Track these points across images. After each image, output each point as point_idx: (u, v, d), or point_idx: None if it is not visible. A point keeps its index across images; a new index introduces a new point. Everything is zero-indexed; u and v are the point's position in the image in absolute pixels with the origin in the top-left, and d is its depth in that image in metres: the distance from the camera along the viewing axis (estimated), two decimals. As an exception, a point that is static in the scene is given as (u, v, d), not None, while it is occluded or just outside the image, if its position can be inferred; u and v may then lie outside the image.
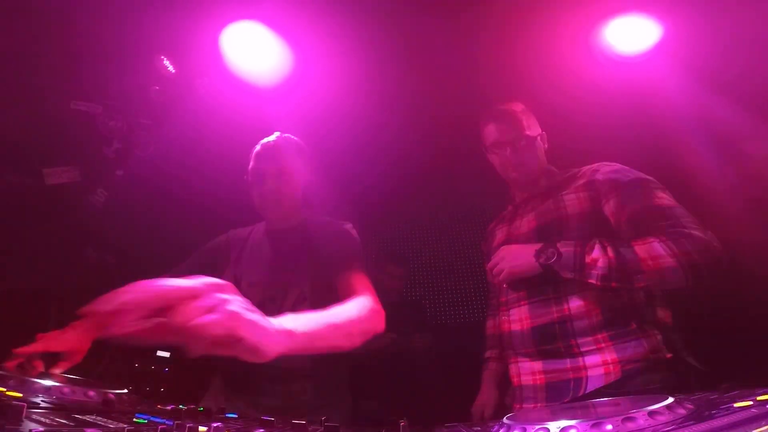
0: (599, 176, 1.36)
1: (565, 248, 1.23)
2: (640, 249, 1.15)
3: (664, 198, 1.25)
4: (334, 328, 1.04)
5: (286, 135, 1.71)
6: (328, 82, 2.10)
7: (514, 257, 1.31)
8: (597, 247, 1.20)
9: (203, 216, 2.41)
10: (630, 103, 2.05)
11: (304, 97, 2.15)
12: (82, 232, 1.99)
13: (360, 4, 1.83)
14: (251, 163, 1.65)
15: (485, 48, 1.94)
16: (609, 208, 1.29)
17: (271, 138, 1.68)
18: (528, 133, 1.48)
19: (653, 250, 1.14)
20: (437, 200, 3.19)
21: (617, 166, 1.38)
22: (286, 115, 2.16)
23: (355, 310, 1.16)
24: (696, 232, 1.15)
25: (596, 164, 1.42)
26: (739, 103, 1.91)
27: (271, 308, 1.46)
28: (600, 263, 1.17)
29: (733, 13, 1.75)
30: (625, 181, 1.30)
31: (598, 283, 1.17)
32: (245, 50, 1.99)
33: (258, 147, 1.66)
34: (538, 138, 1.51)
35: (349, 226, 1.61)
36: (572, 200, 1.37)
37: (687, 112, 1.99)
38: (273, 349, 0.80)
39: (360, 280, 1.41)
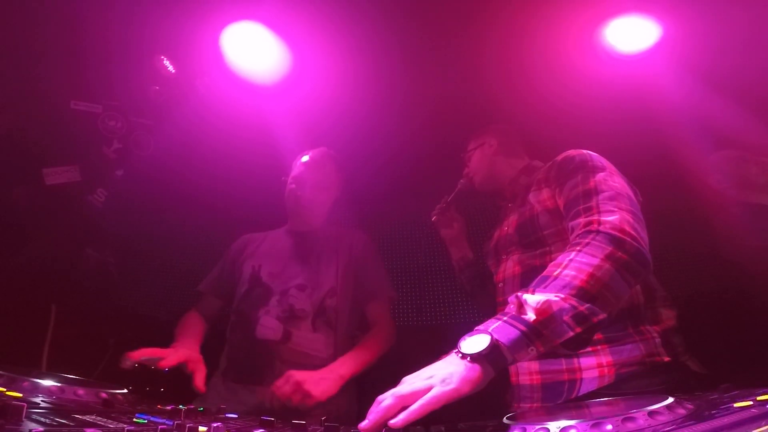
0: (553, 166, 1.35)
1: (481, 328, 0.86)
2: (568, 273, 0.91)
3: (596, 180, 1.15)
4: (368, 363, 1.54)
5: (330, 151, 1.91)
6: (327, 82, 2.10)
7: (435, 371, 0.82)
8: (521, 297, 0.89)
9: (203, 215, 2.41)
10: (630, 101, 2.05)
11: (304, 97, 2.15)
12: (82, 232, 1.99)
13: (360, 4, 1.83)
14: (295, 170, 1.84)
15: (486, 46, 1.94)
16: (558, 197, 1.26)
17: (318, 151, 1.88)
18: (467, 149, 1.70)
19: (580, 265, 0.91)
20: (437, 199, 3.18)
21: (567, 152, 1.33)
22: (287, 116, 2.17)
23: (381, 343, 1.63)
24: (606, 217, 1.01)
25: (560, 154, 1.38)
26: (736, 101, 1.91)
27: (302, 296, 1.62)
28: (556, 307, 0.83)
29: (731, 14, 1.75)
30: (569, 168, 1.26)
31: (577, 331, 0.82)
32: (245, 50, 1.99)
33: (306, 157, 1.86)
34: (485, 146, 1.66)
35: (366, 236, 1.88)
36: (536, 196, 1.36)
37: (685, 109, 2.00)
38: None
39: (383, 295, 1.76)
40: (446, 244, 1.81)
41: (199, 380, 1.35)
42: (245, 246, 1.84)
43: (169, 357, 1.34)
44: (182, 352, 1.38)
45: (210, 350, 1.57)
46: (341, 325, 1.66)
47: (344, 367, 1.50)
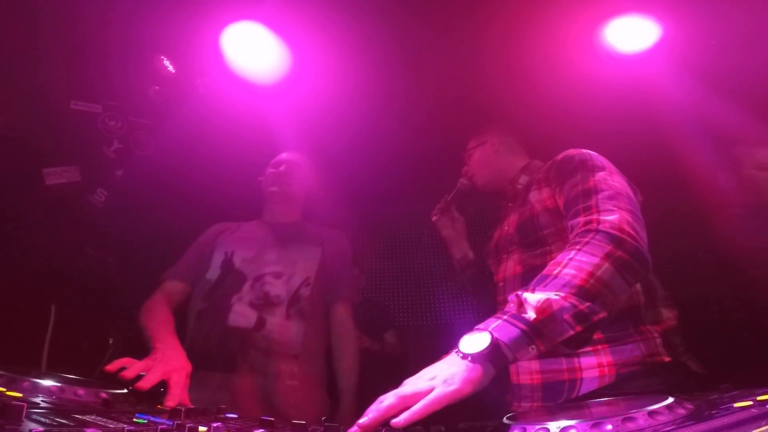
0: (553, 166, 1.35)
1: (484, 327, 0.85)
2: (568, 272, 0.91)
3: (596, 180, 1.15)
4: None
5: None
6: (327, 82, 2.10)
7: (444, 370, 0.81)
8: (521, 296, 0.89)
9: (203, 215, 2.41)
10: (630, 100, 2.05)
11: (304, 97, 2.15)
12: (82, 232, 1.99)
13: (360, 4, 1.83)
14: (274, 160, 1.93)
15: (486, 46, 1.94)
16: (558, 197, 1.26)
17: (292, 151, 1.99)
18: (467, 147, 1.71)
19: (580, 264, 0.91)
20: (437, 198, 3.18)
21: (567, 152, 1.33)
22: (287, 116, 2.17)
23: (356, 361, 1.67)
24: (605, 216, 1.02)
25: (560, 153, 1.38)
26: (736, 101, 1.91)
27: (277, 283, 1.62)
28: (556, 305, 0.84)
29: (730, 14, 1.75)
30: (568, 168, 1.26)
31: (577, 330, 0.83)
32: (245, 50, 1.99)
33: (282, 156, 1.96)
34: (486, 145, 1.66)
35: (345, 236, 1.92)
36: (536, 196, 1.36)
37: (685, 108, 2.00)
38: None
39: (347, 297, 1.76)
40: (447, 244, 1.81)
41: (173, 397, 1.16)
42: (217, 233, 1.83)
43: (149, 375, 1.16)
44: (162, 369, 1.20)
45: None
46: (313, 316, 1.65)
47: (349, 398, 1.59)
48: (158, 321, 1.48)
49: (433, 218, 1.80)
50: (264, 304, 1.58)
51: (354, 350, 1.71)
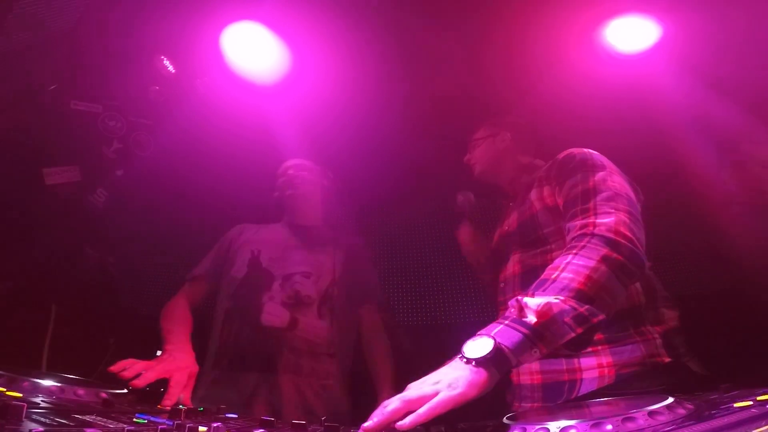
0: (553, 164, 1.35)
1: (486, 332, 0.86)
2: (566, 276, 0.92)
3: (595, 180, 1.15)
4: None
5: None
6: (327, 82, 2.10)
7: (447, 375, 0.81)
8: (522, 300, 0.89)
9: (204, 215, 2.42)
10: (630, 100, 2.05)
11: (304, 96, 2.15)
12: (82, 232, 1.99)
13: (359, 5, 1.83)
14: (283, 172, 1.90)
15: (487, 46, 1.94)
16: (558, 196, 1.26)
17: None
18: (476, 136, 1.66)
19: (577, 267, 0.92)
20: (437, 200, 3.18)
21: (569, 151, 1.33)
22: (287, 115, 2.17)
23: (389, 358, 1.59)
24: (602, 219, 1.02)
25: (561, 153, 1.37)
26: (736, 101, 1.91)
27: (307, 283, 1.62)
28: (557, 308, 0.84)
29: (730, 14, 1.75)
30: (569, 167, 1.26)
31: (578, 332, 0.83)
32: (245, 50, 1.99)
33: (288, 163, 1.93)
34: (497, 138, 1.61)
35: (363, 240, 1.92)
36: (536, 195, 1.36)
37: (684, 108, 2.00)
38: None
39: (374, 300, 1.78)
40: (466, 257, 1.75)
41: (170, 396, 1.19)
42: (240, 233, 1.83)
43: (146, 373, 1.18)
44: (163, 368, 1.22)
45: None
46: (343, 314, 1.66)
47: (388, 392, 1.54)
48: (174, 323, 1.51)
49: (460, 239, 1.71)
50: (295, 303, 1.58)
51: (387, 352, 1.67)
